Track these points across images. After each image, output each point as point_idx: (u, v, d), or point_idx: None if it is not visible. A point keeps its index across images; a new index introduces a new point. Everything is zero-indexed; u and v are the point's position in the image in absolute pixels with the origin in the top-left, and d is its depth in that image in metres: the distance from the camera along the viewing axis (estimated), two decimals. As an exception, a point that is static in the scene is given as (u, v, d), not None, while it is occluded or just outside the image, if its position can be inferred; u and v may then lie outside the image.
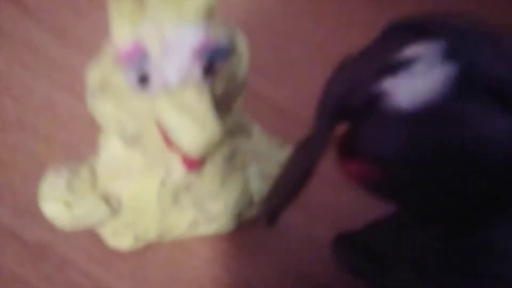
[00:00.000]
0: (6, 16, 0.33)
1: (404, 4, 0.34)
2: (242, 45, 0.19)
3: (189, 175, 0.20)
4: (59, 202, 0.19)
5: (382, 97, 0.10)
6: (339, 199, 0.25)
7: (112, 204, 0.20)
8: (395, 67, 0.10)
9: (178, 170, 0.19)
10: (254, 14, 0.34)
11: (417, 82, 0.10)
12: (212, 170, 0.21)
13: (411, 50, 0.10)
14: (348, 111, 0.11)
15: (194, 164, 0.19)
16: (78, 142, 0.27)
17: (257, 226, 0.25)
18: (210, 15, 0.17)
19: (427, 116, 0.10)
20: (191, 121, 0.16)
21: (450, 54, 0.10)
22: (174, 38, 0.17)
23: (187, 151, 0.17)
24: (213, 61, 0.18)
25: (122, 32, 0.16)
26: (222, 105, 0.20)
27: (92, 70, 0.17)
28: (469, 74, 0.10)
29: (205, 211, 0.23)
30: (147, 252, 0.24)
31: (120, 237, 0.22)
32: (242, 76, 0.20)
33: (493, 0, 0.33)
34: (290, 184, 0.13)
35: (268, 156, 0.23)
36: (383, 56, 0.10)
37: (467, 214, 0.12)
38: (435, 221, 0.13)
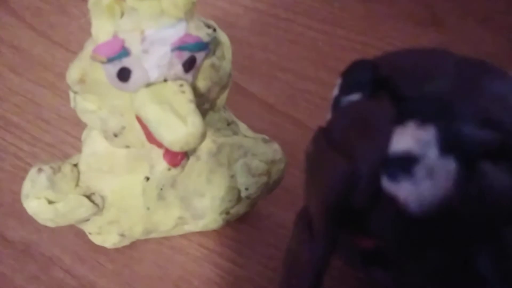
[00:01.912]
0: (-10, 15, 0.33)
1: (393, 5, 0.34)
2: (225, 40, 0.19)
3: (172, 170, 0.20)
4: (41, 199, 0.19)
5: (386, 198, 0.10)
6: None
7: (95, 201, 0.20)
8: (393, 166, 0.09)
9: (160, 165, 0.19)
10: (244, 16, 0.34)
11: (421, 187, 0.09)
12: (197, 166, 0.21)
13: (403, 142, 0.09)
14: (350, 210, 0.10)
15: (177, 159, 0.19)
16: (62, 142, 0.27)
17: (245, 223, 0.25)
18: (190, 10, 0.17)
19: (437, 218, 0.09)
20: (172, 114, 0.16)
21: (446, 147, 0.09)
22: (154, 34, 0.17)
23: (168, 146, 0.17)
24: (194, 56, 0.18)
25: (101, 26, 0.16)
26: (206, 100, 0.20)
27: (72, 66, 0.17)
28: (472, 162, 0.09)
29: (192, 208, 0.22)
30: (133, 250, 0.24)
31: (104, 235, 0.22)
32: (226, 71, 0.20)
33: None
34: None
35: (254, 152, 0.23)
36: (372, 142, 0.09)
37: None
38: None
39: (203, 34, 0.17)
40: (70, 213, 0.20)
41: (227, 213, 0.23)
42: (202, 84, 0.19)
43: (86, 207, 0.20)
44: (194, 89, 0.18)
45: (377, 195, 0.10)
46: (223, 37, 0.19)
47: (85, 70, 0.17)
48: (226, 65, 0.19)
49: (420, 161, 0.09)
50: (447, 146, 0.09)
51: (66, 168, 0.20)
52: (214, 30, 0.18)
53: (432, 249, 0.10)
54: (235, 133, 0.23)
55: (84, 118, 0.19)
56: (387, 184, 0.10)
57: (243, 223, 0.25)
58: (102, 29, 0.16)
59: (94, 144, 0.20)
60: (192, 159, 0.21)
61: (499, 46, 0.31)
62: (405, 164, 0.09)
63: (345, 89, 0.11)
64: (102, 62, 0.16)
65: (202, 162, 0.21)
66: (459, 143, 0.09)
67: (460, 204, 0.09)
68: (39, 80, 0.30)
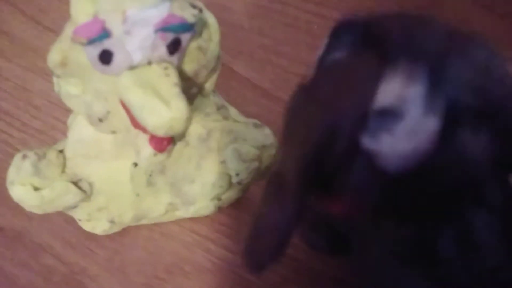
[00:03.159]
0: (-21, 0, 0.32)
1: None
2: (212, 21, 0.19)
3: (158, 155, 0.19)
4: (26, 185, 0.19)
5: (365, 153, 0.09)
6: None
7: (82, 188, 0.20)
8: (375, 122, 0.09)
9: (146, 150, 0.19)
10: (238, 0, 0.33)
11: (401, 144, 0.09)
12: (187, 151, 0.21)
13: (388, 97, 0.09)
14: (326, 160, 0.10)
15: (162, 144, 0.19)
16: (52, 129, 0.27)
17: (237, 209, 0.24)
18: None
19: (411, 177, 0.09)
20: (155, 98, 0.16)
21: (431, 106, 0.09)
22: (136, 14, 0.16)
23: (152, 131, 0.16)
24: (178, 37, 0.17)
25: (81, 6, 0.16)
26: (193, 84, 0.19)
27: (53, 49, 0.17)
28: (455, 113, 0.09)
29: (182, 194, 0.22)
30: (124, 236, 0.24)
31: (94, 222, 0.22)
32: (214, 53, 0.19)
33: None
34: (271, 242, 0.12)
35: (245, 138, 0.22)
36: (355, 96, 0.09)
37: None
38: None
39: (188, 14, 0.17)
40: (57, 200, 0.19)
41: (219, 199, 0.23)
42: (188, 67, 0.18)
43: (73, 194, 0.20)
44: (181, 72, 0.18)
45: (355, 150, 0.09)
46: (210, 18, 0.19)
47: (65, 52, 0.17)
48: (214, 47, 0.19)
49: (403, 119, 0.09)
50: (431, 106, 0.09)
51: (52, 154, 0.19)
52: (200, 10, 0.18)
53: (400, 219, 0.10)
54: (226, 118, 0.22)
55: (68, 102, 0.18)
56: (366, 140, 0.09)
57: (235, 209, 0.24)
58: (81, 10, 0.16)
59: (80, 130, 0.19)
60: (181, 144, 0.21)
61: (502, 32, 0.30)
62: (387, 120, 0.09)
63: (331, 48, 0.10)
64: (83, 44, 0.16)
65: (192, 147, 0.21)
66: (443, 105, 0.09)
67: (436, 164, 0.09)
68: (29, 65, 0.30)
